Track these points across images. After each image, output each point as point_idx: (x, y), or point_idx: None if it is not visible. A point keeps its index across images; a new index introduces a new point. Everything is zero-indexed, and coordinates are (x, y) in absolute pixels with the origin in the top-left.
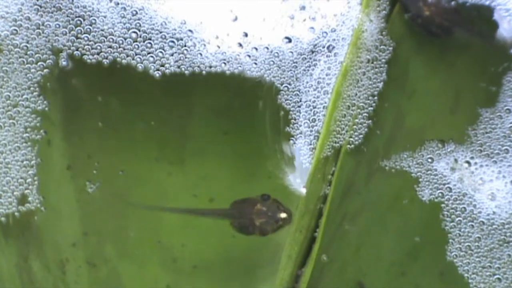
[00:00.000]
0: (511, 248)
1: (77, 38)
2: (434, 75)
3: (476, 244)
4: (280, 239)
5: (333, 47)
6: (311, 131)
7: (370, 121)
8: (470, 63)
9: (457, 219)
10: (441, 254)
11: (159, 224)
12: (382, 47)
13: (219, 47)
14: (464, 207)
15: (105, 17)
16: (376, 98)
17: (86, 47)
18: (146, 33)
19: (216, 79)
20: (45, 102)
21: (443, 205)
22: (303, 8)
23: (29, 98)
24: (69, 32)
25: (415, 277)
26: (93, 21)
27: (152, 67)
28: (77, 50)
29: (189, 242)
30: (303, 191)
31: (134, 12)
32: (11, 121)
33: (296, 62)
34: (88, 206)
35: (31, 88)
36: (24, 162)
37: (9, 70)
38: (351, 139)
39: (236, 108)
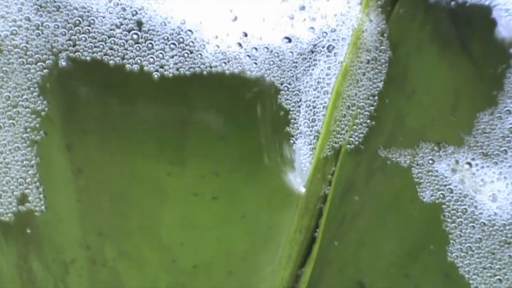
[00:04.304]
0: None
1: (77, 38)
2: (434, 75)
3: (477, 245)
4: (280, 239)
5: (333, 47)
6: (311, 131)
7: (370, 121)
8: (470, 63)
9: (458, 220)
10: (442, 255)
11: (159, 224)
12: (382, 47)
13: (218, 47)
14: (465, 208)
15: (104, 17)
16: (376, 98)
17: (85, 47)
18: (146, 33)
19: (216, 79)
20: (44, 102)
21: (444, 206)
22: (303, 8)
23: (29, 99)
24: (68, 32)
25: (415, 277)
26: (92, 21)
27: (152, 67)
28: (77, 51)
29: (189, 242)
30: (303, 191)
31: (134, 12)
32: (11, 121)
33: (296, 62)
34: (88, 206)
35: (31, 89)
36: (24, 162)
37: (8, 70)
38: (351, 139)
39: (236, 108)
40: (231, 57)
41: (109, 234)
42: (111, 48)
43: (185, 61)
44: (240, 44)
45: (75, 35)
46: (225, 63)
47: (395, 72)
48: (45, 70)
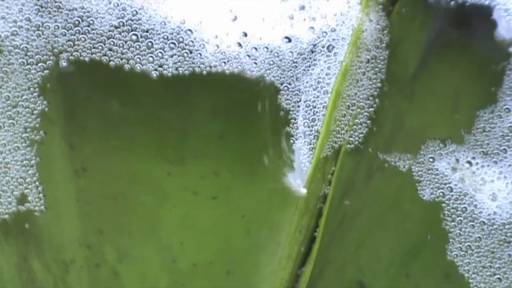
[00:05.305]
0: None
1: (76, 38)
2: (434, 75)
3: (477, 244)
4: (280, 239)
5: (333, 47)
6: (311, 131)
7: (370, 121)
8: (470, 63)
9: (457, 219)
10: (442, 254)
11: (159, 223)
12: (382, 46)
13: (218, 46)
14: (465, 207)
15: (103, 17)
16: (376, 98)
17: (85, 47)
18: (146, 32)
19: (216, 79)
20: (45, 102)
21: (444, 204)
22: (302, 8)
23: (29, 99)
24: (68, 32)
25: (415, 277)
26: (91, 22)
27: (151, 66)
28: (77, 51)
29: (188, 241)
30: (303, 191)
31: (134, 12)
32: (10, 121)
33: (296, 62)
34: (88, 206)
35: (31, 89)
36: (24, 162)
37: (9, 71)
38: (351, 139)
39: (236, 107)
40: (231, 57)
41: (109, 234)
42: (110, 49)
43: (185, 60)
44: (240, 44)
45: (74, 35)
46: (224, 63)
47: (395, 72)
48: (46, 71)
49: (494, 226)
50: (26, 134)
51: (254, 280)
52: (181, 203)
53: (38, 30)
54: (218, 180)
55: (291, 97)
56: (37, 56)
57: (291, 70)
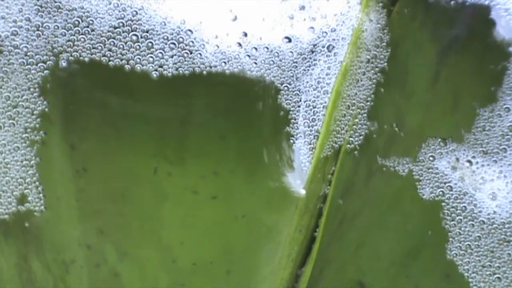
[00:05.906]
0: (511, 247)
1: (76, 39)
2: (434, 75)
3: (476, 243)
4: (280, 238)
5: (333, 47)
6: (310, 131)
7: (369, 121)
8: (470, 63)
9: (457, 218)
10: (441, 253)
11: (159, 223)
12: (381, 46)
13: (218, 46)
14: (465, 206)
15: (103, 18)
16: (376, 98)
17: (85, 47)
18: (146, 33)
19: (216, 79)
20: (45, 102)
21: (443, 203)
22: (302, 8)
23: (29, 99)
24: (68, 32)
25: (415, 276)
26: (91, 22)
27: (151, 66)
28: (76, 51)
29: (188, 240)
30: (303, 191)
31: (134, 13)
32: (10, 121)
33: (296, 62)
34: (88, 206)
35: (31, 89)
36: (24, 162)
37: (9, 71)
38: (351, 139)
39: (236, 107)
40: (231, 57)
41: (109, 234)
42: (110, 50)
43: (185, 61)
44: (240, 44)
45: (74, 35)
46: (225, 63)
47: (395, 72)
48: (46, 71)
49: (494, 225)
50: (26, 134)
51: (254, 280)
52: (181, 203)
53: (38, 30)
54: (218, 180)
55: (291, 97)
56: (37, 56)
57: (291, 70)
